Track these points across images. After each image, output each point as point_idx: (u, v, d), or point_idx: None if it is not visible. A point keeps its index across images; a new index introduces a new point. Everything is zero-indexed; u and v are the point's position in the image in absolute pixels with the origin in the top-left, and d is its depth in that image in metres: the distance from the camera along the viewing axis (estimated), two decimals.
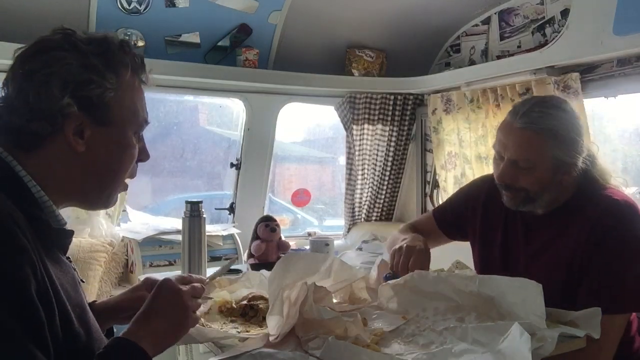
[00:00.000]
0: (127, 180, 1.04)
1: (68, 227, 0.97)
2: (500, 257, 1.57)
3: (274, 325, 1.16)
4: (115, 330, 1.22)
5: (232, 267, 2.04)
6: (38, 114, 0.87)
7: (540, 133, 1.35)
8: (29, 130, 0.88)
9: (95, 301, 1.20)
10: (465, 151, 2.82)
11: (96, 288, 2.52)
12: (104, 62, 0.92)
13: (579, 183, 1.44)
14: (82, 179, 0.95)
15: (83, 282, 1.03)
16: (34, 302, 0.77)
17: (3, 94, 0.91)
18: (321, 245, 2.10)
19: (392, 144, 3.22)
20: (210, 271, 1.94)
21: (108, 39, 0.95)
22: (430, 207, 3.19)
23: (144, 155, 1.04)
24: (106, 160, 0.96)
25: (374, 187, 3.30)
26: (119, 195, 1.06)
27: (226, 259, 2.77)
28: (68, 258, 0.99)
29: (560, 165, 1.39)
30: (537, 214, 1.50)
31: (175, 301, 0.97)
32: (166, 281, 1.00)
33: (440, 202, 3.03)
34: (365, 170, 3.27)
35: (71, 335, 0.86)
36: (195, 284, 1.06)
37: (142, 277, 1.37)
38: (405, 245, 1.53)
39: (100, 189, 0.99)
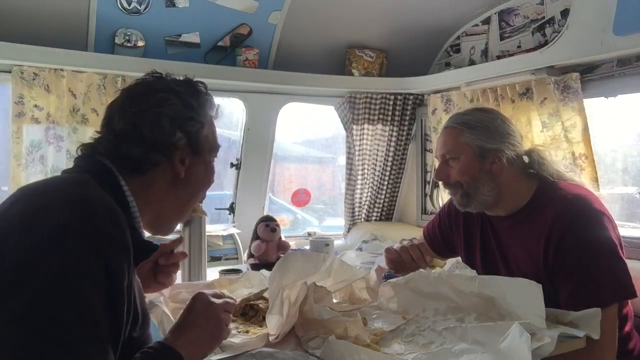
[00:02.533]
0: None
1: None
2: (481, 266, 1.61)
3: (274, 325, 1.16)
4: None
5: (232, 267, 2.04)
6: (154, 146, 1.01)
7: (456, 127, 1.54)
8: (146, 159, 1.01)
9: None
10: None
11: None
12: (197, 102, 1.08)
13: (537, 184, 1.51)
14: (171, 201, 1.07)
15: None
16: (123, 296, 0.84)
17: (109, 124, 1.03)
18: (321, 245, 2.10)
19: (392, 144, 3.22)
20: (210, 271, 1.95)
21: (192, 81, 1.12)
22: (430, 207, 3.19)
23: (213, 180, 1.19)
24: (196, 184, 1.10)
25: (374, 187, 3.30)
26: None
27: (226, 259, 2.78)
28: None
29: (482, 153, 1.49)
30: (500, 216, 1.55)
31: (209, 313, 1.05)
32: (200, 295, 1.09)
33: (440, 203, 3.05)
34: (365, 170, 3.27)
35: (131, 338, 0.92)
36: (228, 300, 1.12)
37: None
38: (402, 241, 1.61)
39: (180, 211, 1.11)
